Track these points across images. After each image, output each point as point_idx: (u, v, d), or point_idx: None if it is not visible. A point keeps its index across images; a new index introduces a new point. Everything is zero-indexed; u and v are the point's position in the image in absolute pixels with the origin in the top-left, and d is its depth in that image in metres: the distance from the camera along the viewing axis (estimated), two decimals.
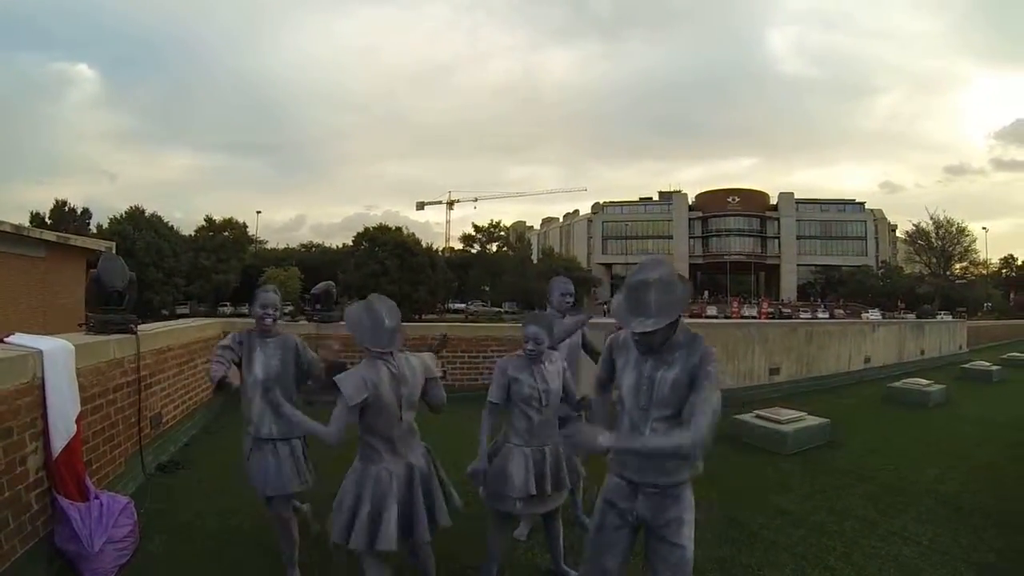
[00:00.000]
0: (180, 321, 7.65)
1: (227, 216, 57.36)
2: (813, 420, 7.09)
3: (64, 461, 3.35)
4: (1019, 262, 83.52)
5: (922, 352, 16.60)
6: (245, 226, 59.15)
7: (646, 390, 2.33)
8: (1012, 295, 73.21)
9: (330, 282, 9.02)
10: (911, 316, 45.19)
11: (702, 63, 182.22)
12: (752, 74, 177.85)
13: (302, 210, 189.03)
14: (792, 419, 6.94)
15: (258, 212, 69.22)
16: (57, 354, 3.45)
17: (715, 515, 4.45)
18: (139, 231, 44.47)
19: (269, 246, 70.66)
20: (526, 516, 3.64)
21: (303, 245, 71.52)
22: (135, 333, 4.89)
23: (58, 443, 3.32)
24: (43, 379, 3.31)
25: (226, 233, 55.81)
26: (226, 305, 54.31)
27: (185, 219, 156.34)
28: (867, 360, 13.68)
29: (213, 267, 51.29)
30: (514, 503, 3.14)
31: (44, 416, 3.30)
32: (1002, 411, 9.91)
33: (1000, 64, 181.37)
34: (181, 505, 4.53)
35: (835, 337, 12.66)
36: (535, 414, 3.21)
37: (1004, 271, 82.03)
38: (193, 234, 54.30)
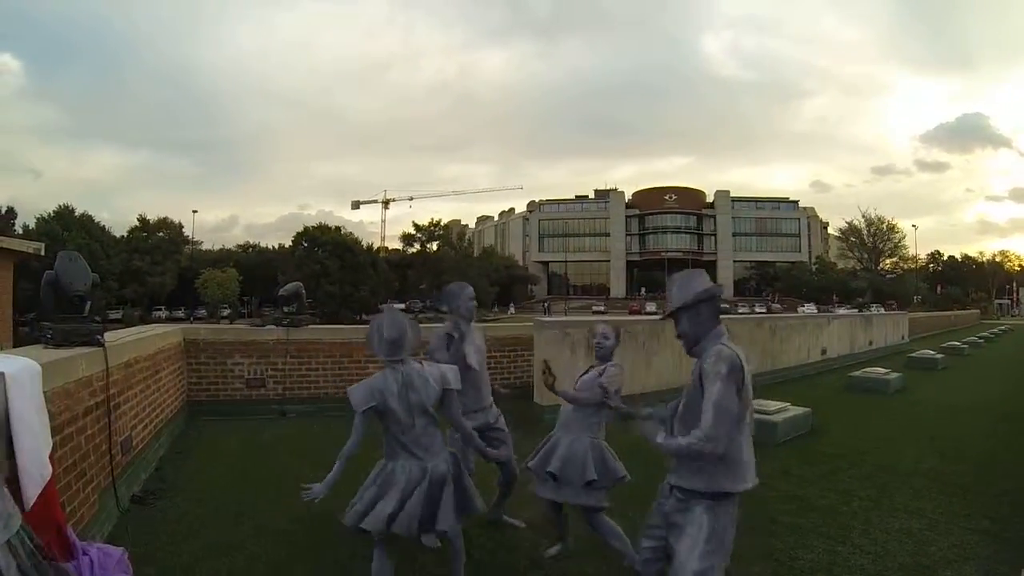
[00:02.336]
0: (142, 328, 7.40)
1: (161, 216, 56.04)
2: (797, 410, 7.62)
3: (40, 513, 2.65)
4: (945, 257, 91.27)
5: (871, 343, 17.85)
6: (181, 226, 57.98)
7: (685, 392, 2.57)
8: (939, 288, 78.97)
9: (299, 283, 8.90)
10: (844, 309, 48.07)
11: (637, 65, 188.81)
12: (686, 76, 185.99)
13: (235, 210, 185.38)
14: (779, 409, 7.44)
15: (194, 212, 67.29)
16: (23, 377, 2.69)
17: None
18: (69, 232, 42.54)
19: (204, 247, 69.55)
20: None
21: (240, 246, 70.77)
22: (103, 345, 4.35)
23: (32, 491, 2.63)
24: (7, 411, 2.54)
25: (161, 234, 54.31)
26: (161, 309, 52.83)
27: (113, 219, 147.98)
28: (824, 352, 14.63)
29: (148, 269, 49.84)
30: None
31: (11, 459, 2.54)
32: (954, 395, 11.00)
33: (924, 71, 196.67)
34: (168, 545, 4.01)
35: (796, 331, 13.50)
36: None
37: (931, 265, 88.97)
38: (126, 235, 52.50)
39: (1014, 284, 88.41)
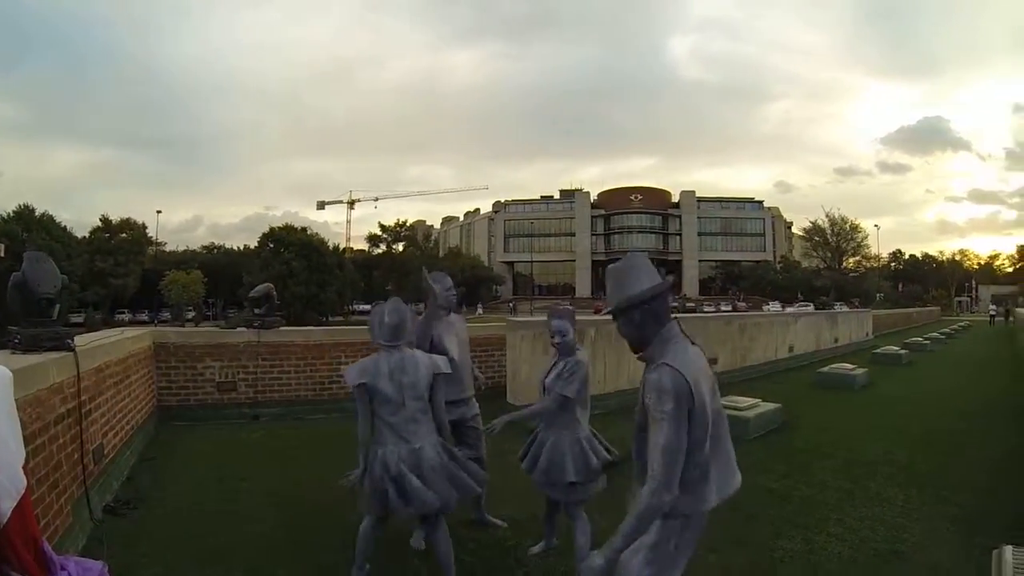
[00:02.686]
0: (110, 332, 7.21)
1: (124, 216, 54.98)
2: (768, 405, 7.78)
3: (15, 528, 2.51)
4: (906, 256, 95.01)
5: (836, 340, 18.29)
6: (144, 227, 57.22)
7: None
8: (901, 286, 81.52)
9: (269, 284, 8.80)
10: (808, 307, 49.18)
11: (604, 66, 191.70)
12: (653, 78, 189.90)
13: (199, 210, 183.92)
14: (750, 405, 7.59)
15: (158, 212, 66.21)
16: None
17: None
18: (30, 232, 41.29)
19: (168, 248, 69.13)
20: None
21: (204, 247, 70.47)
22: (73, 350, 4.25)
23: (6, 505, 2.46)
24: None
25: (124, 234, 53.28)
26: (124, 312, 52.05)
27: (75, 220, 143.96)
28: (791, 349, 14.93)
29: (110, 271, 48.94)
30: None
31: None
32: (918, 390, 11.33)
33: (886, 76, 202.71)
34: (146, 557, 3.84)
35: (764, 329, 13.78)
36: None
37: (893, 264, 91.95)
38: (88, 235, 51.43)
39: (973, 282, 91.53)
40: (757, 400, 7.91)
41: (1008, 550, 3.33)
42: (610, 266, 2.38)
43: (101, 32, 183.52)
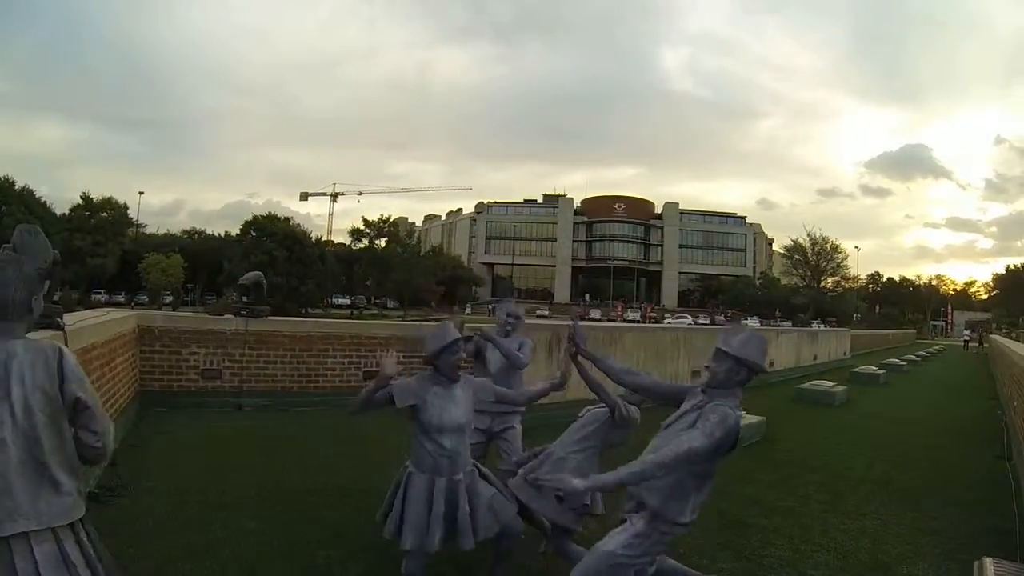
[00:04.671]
0: (96, 312, 7.14)
1: (106, 195, 53.67)
2: (752, 418, 7.96)
3: None
4: (884, 278, 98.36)
5: (815, 357, 18.67)
6: (126, 207, 55.80)
7: (684, 418, 2.75)
8: (878, 308, 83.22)
9: (259, 272, 8.77)
10: (787, 324, 49.98)
11: (595, 74, 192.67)
12: (642, 88, 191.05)
13: (181, 194, 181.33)
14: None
15: (141, 193, 64.84)
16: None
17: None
18: (8, 206, 40.71)
19: (148, 230, 67.94)
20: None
21: (185, 231, 70.11)
22: (62, 328, 4.16)
23: None
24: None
25: (104, 214, 52.17)
26: (100, 292, 51.39)
27: (54, 195, 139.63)
28: (771, 364, 15.18)
29: (89, 250, 47.81)
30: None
31: None
32: (896, 408, 11.72)
33: (871, 101, 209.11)
34: (132, 547, 3.72)
35: None
36: None
37: (871, 286, 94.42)
38: (68, 213, 50.58)
39: (948, 307, 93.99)
40: (741, 411, 8.08)
41: (989, 562, 3.51)
42: (751, 324, 2.91)
43: (91, 6, 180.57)
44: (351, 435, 6.74)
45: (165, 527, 4.13)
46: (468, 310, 68.13)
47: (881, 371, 16.73)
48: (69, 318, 4.96)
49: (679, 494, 2.60)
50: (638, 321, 55.03)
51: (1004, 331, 57.35)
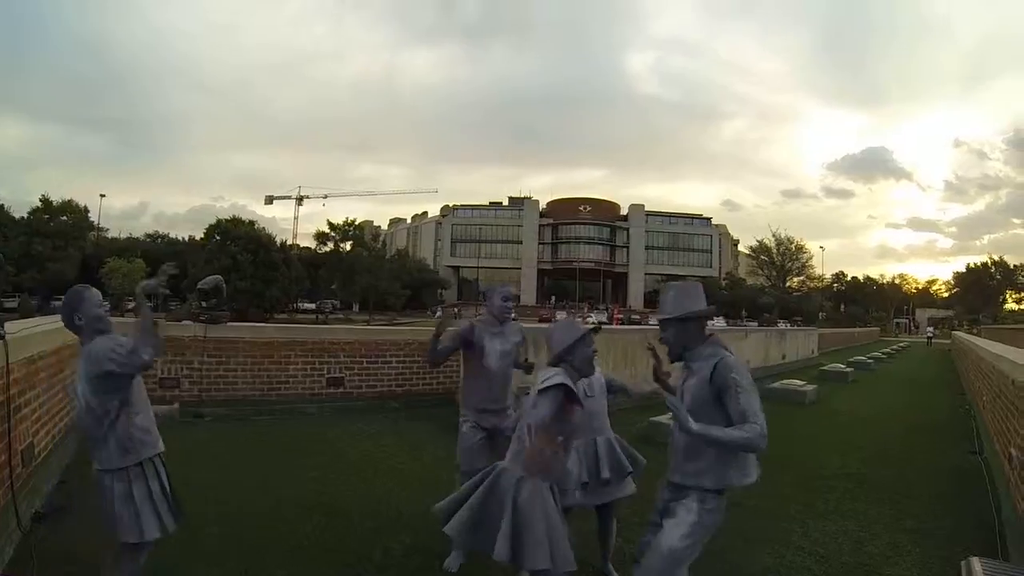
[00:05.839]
0: (45, 319, 6.75)
1: (66, 198, 53.32)
2: None
3: None
4: (848, 278, 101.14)
5: (783, 356, 18.86)
6: (86, 210, 55.44)
7: (679, 398, 2.71)
8: (843, 307, 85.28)
9: (219, 276, 8.46)
10: (753, 324, 50.81)
11: (561, 76, 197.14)
12: (608, 91, 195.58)
13: (144, 197, 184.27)
14: None
15: (102, 196, 64.28)
16: None
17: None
18: None
19: (110, 234, 67.81)
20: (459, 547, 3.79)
21: (148, 235, 70.56)
22: (2, 337, 3.90)
23: None
24: None
25: (64, 217, 51.63)
26: (60, 299, 49.06)
27: (13, 199, 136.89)
28: (748, 362, 15.25)
29: (48, 255, 47.27)
30: (573, 493, 3.49)
31: None
32: (865, 406, 11.87)
33: (835, 105, 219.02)
34: (85, 572, 3.47)
35: None
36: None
37: (835, 285, 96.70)
38: (27, 216, 49.85)
39: (910, 305, 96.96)
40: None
41: (976, 562, 3.45)
42: (672, 283, 2.89)
43: (51, 3, 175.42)
44: (313, 446, 6.55)
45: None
46: (440, 313, 68.03)
47: (849, 369, 17.01)
48: (14, 326, 4.64)
49: (732, 458, 2.64)
50: (604, 322, 55.34)
51: (966, 328, 59.21)
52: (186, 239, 64.89)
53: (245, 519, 4.43)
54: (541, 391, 2.69)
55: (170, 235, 71.35)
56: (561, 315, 68.38)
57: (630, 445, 3.94)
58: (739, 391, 2.52)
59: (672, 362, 2.90)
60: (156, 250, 59.80)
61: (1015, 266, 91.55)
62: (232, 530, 4.23)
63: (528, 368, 4.19)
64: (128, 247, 58.25)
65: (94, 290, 3.13)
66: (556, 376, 2.71)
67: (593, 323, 3.43)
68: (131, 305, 48.43)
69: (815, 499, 5.58)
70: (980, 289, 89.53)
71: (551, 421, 2.68)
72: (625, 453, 3.80)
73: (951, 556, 4.10)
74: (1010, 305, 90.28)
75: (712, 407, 2.58)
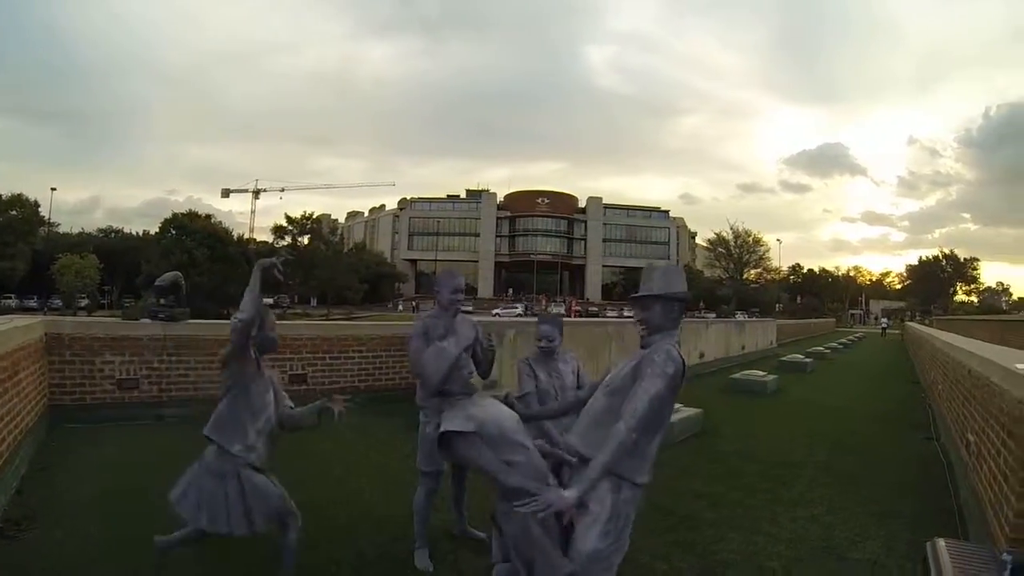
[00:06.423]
0: None
1: (15, 191, 51.80)
2: (689, 410, 8.08)
3: None
4: (805, 270, 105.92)
5: (743, 348, 19.30)
6: (37, 205, 53.68)
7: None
8: (800, 298, 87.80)
9: (177, 272, 8.26)
10: (711, 315, 51.88)
11: (520, 69, 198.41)
12: (567, 85, 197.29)
13: (97, 191, 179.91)
14: (673, 409, 7.83)
15: (53, 189, 62.29)
16: None
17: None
18: None
19: (61, 229, 66.31)
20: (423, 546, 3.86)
21: (101, 230, 70.11)
22: None
23: None
24: None
25: (13, 212, 50.37)
26: (11, 297, 49.40)
27: None
28: (702, 355, 15.61)
29: None
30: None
31: None
32: (826, 395, 12.28)
33: (792, 101, 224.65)
34: None
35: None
36: None
37: (792, 277, 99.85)
38: None
39: (865, 296, 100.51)
40: (679, 404, 8.19)
41: (941, 542, 3.60)
42: (658, 262, 2.87)
43: None
44: (277, 444, 6.42)
45: (79, 562, 3.70)
46: (400, 307, 67.99)
47: (808, 359, 17.48)
48: None
49: (635, 450, 2.44)
50: (563, 315, 55.83)
51: (918, 318, 61.53)
52: (140, 234, 64.12)
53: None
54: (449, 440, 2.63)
55: (124, 230, 70.54)
56: (518, 307, 68.95)
57: None
58: (655, 378, 2.43)
59: (642, 348, 2.66)
60: (109, 245, 59.35)
61: (965, 259, 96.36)
62: (207, 541, 4.11)
63: (490, 354, 4.01)
64: (80, 242, 57.14)
65: None
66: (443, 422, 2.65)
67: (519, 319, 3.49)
68: (83, 303, 47.73)
69: (781, 487, 5.73)
70: (932, 281, 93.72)
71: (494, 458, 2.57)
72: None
73: (915, 538, 4.28)
74: (960, 297, 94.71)
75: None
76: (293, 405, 3.47)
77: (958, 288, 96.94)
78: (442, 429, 2.57)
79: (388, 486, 5.21)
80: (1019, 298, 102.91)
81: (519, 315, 47.29)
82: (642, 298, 2.67)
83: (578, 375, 3.90)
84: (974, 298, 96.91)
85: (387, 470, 5.80)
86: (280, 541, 3.24)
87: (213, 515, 3.09)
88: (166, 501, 4.64)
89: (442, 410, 3.66)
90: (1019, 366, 3.97)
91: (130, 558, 3.71)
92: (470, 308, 66.67)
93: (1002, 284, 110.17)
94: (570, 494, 2.31)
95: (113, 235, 67.34)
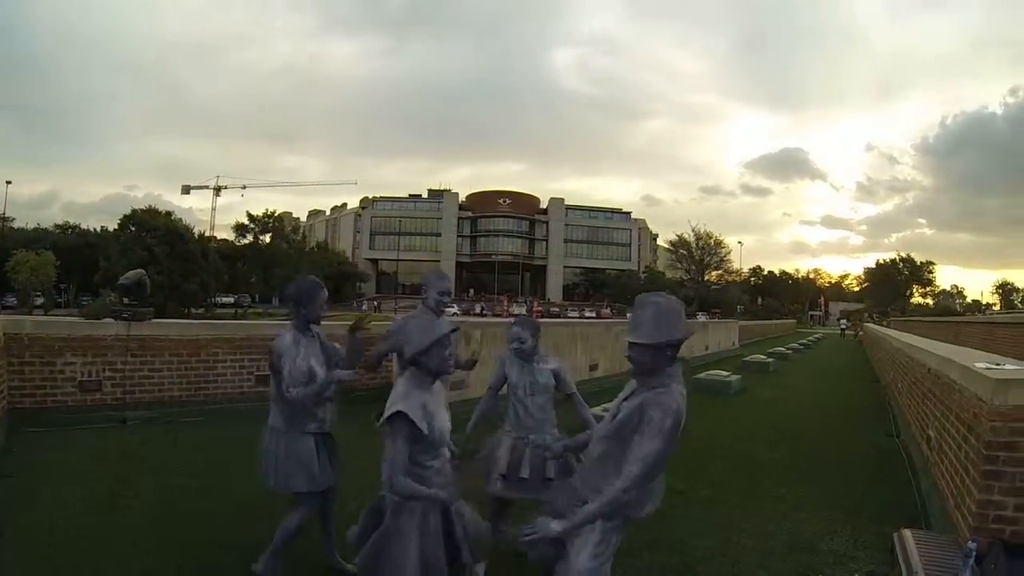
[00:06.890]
0: None
1: None
2: None
3: None
4: (765, 272, 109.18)
5: (706, 348, 19.69)
6: None
7: (616, 409, 2.70)
8: (760, 299, 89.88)
9: (141, 271, 8.10)
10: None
11: (483, 71, 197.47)
12: (530, 86, 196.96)
13: (54, 185, 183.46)
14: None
15: (8, 183, 60.47)
16: None
17: None
18: None
19: (16, 225, 65.87)
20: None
21: (58, 226, 67.98)
22: None
23: None
24: None
25: None
26: None
27: None
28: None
29: None
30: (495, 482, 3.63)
31: None
32: (788, 394, 12.67)
33: (752, 106, 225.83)
34: None
35: None
36: (520, 406, 3.79)
37: (753, 279, 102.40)
38: None
39: (824, 298, 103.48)
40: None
41: (908, 533, 3.77)
42: (654, 299, 2.57)
43: None
44: (245, 446, 6.35)
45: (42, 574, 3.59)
46: (365, 306, 67.53)
47: (770, 359, 17.98)
48: None
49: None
50: (525, 316, 56.13)
51: (875, 319, 63.43)
52: (99, 230, 63.19)
53: (179, 530, 4.23)
54: (388, 419, 2.49)
55: (81, 226, 68.89)
56: (478, 307, 69.00)
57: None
58: (654, 436, 2.44)
59: (634, 378, 2.67)
60: (67, 241, 57.99)
61: (921, 263, 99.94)
62: (171, 535, 4.09)
63: (471, 365, 4.37)
64: (36, 238, 56.37)
65: None
66: (397, 400, 2.51)
67: (456, 319, 3.52)
68: (39, 301, 46.41)
69: (751, 484, 5.92)
70: (889, 284, 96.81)
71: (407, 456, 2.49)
72: (560, 461, 3.59)
73: (880, 530, 4.49)
74: (916, 299, 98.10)
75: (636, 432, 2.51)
76: None
77: (914, 290, 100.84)
78: (398, 409, 2.47)
79: (366, 489, 5.20)
80: (973, 300, 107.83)
81: (455, 314, 47.19)
82: (637, 345, 2.52)
83: (557, 377, 3.92)
84: (929, 300, 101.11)
85: (357, 473, 5.78)
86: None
87: None
88: (127, 507, 4.63)
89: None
90: (979, 365, 4.17)
91: (92, 569, 3.63)
92: (455, 310, 66.98)
93: (956, 287, 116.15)
94: (555, 527, 2.43)
95: (70, 231, 65.58)
